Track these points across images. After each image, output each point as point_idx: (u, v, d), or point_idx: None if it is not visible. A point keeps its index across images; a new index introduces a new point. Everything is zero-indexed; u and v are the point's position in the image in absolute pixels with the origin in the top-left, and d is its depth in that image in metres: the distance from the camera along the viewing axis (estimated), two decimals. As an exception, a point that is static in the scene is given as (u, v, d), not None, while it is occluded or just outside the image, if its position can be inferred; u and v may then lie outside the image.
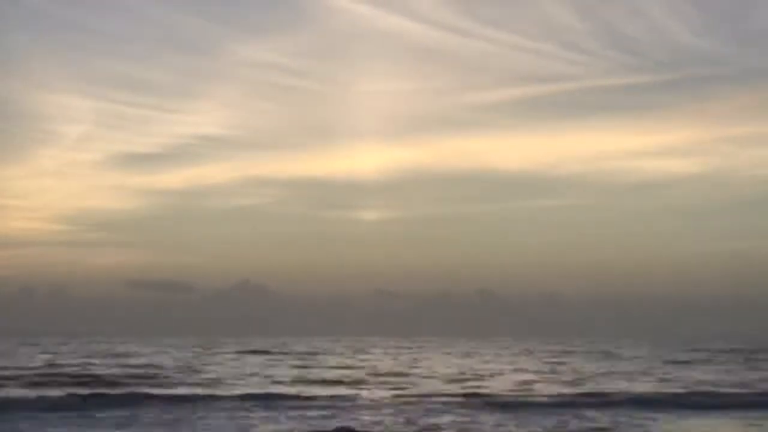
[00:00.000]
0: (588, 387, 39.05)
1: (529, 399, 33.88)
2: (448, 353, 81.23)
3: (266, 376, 45.11)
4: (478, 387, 38.34)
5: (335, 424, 25.01)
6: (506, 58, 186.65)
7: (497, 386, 38.74)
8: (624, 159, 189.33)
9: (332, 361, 61.68)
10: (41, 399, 32.37)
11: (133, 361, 59.48)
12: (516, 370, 50.95)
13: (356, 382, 41.21)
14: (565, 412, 28.90)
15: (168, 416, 27.48)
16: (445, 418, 26.82)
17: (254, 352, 75.65)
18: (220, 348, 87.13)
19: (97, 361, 58.42)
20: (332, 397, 33.51)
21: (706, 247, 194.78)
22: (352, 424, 24.90)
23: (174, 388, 38.25)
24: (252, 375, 46.16)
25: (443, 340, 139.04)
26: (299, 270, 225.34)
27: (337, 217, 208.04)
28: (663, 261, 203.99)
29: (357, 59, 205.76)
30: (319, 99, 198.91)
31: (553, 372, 48.69)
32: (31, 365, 52.33)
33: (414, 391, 36.36)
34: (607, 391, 36.78)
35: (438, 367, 54.24)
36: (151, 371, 48.14)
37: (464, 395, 34.50)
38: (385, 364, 58.18)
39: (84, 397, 33.11)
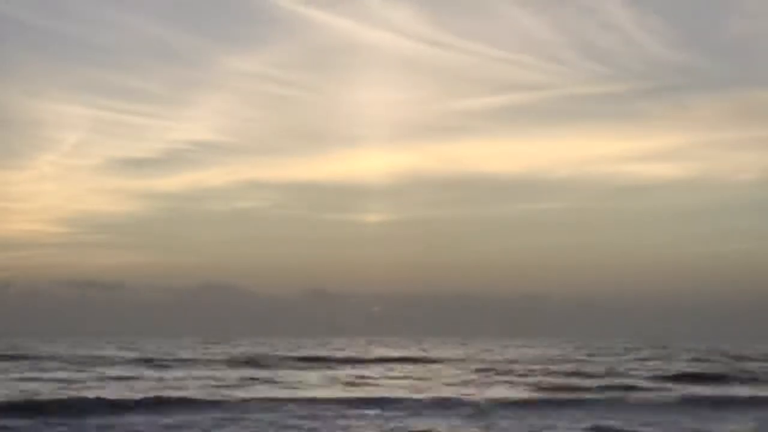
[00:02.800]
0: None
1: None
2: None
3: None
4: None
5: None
6: (487, 68, 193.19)
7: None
8: (609, 164, 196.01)
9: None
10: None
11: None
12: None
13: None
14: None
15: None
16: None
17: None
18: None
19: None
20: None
21: (690, 250, 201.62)
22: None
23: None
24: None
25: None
26: (294, 272, 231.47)
27: (332, 220, 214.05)
28: (649, 263, 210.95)
29: (342, 70, 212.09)
30: (308, 107, 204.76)
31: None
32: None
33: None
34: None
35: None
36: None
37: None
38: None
39: None
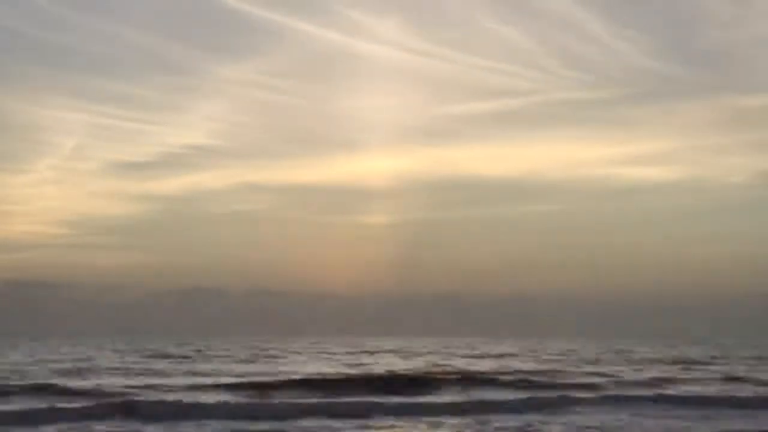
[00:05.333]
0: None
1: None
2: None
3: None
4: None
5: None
6: (472, 76, 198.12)
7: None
8: (599, 167, 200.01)
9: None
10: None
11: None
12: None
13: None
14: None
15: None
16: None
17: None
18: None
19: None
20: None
21: (679, 251, 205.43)
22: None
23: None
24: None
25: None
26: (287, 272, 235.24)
27: (328, 223, 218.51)
28: (639, 264, 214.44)
29: (332, 79, 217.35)
30: (300, 113, 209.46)
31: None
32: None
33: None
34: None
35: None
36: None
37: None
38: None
39: None
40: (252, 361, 51.63)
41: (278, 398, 27.50)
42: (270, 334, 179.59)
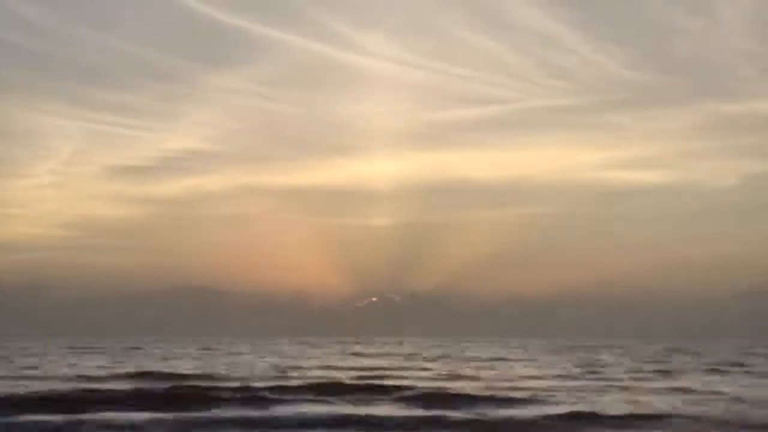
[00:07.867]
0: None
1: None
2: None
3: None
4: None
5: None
6: (457, 85, 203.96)
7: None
8: (586, 171, 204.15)
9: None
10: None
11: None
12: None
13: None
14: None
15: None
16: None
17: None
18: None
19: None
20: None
21: (671, 252, 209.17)
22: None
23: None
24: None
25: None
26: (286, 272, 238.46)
27: (326, 224, 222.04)
28: (631, 264, 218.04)
29: (321, 87, 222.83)
30: (291, 120, 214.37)
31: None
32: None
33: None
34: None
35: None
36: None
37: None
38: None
39: None
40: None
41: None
42: (269, 334, 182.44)
